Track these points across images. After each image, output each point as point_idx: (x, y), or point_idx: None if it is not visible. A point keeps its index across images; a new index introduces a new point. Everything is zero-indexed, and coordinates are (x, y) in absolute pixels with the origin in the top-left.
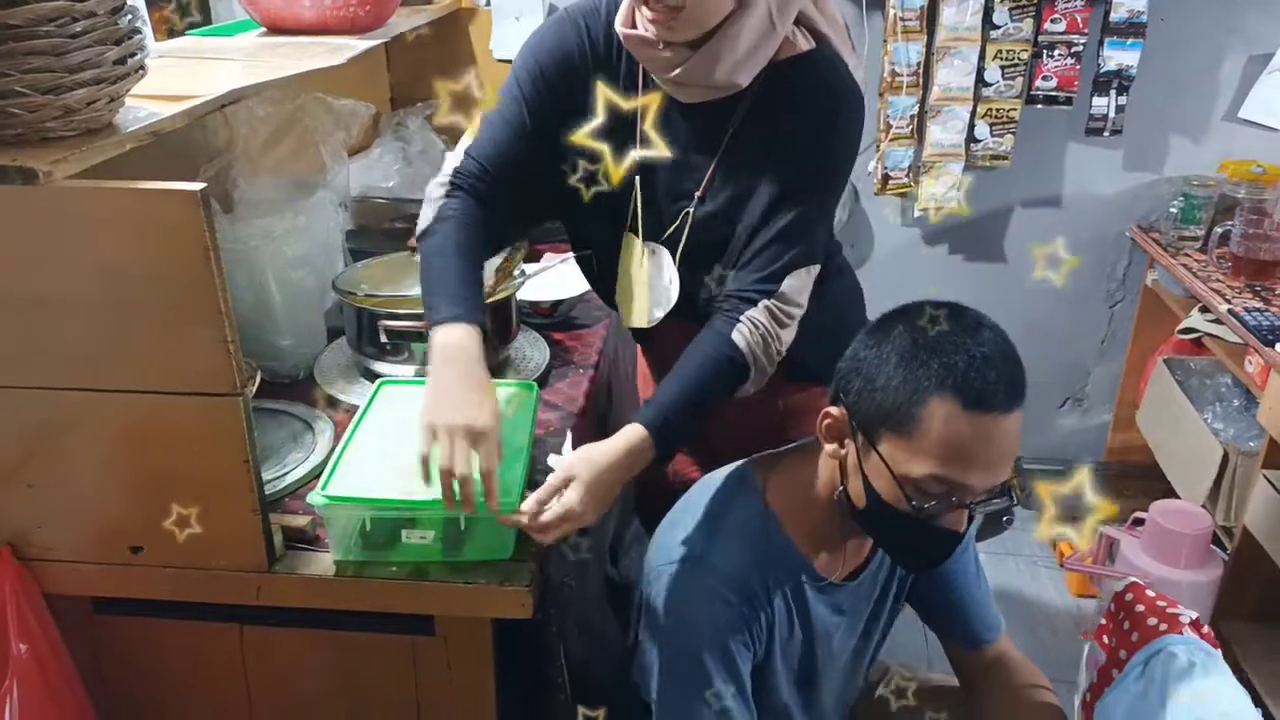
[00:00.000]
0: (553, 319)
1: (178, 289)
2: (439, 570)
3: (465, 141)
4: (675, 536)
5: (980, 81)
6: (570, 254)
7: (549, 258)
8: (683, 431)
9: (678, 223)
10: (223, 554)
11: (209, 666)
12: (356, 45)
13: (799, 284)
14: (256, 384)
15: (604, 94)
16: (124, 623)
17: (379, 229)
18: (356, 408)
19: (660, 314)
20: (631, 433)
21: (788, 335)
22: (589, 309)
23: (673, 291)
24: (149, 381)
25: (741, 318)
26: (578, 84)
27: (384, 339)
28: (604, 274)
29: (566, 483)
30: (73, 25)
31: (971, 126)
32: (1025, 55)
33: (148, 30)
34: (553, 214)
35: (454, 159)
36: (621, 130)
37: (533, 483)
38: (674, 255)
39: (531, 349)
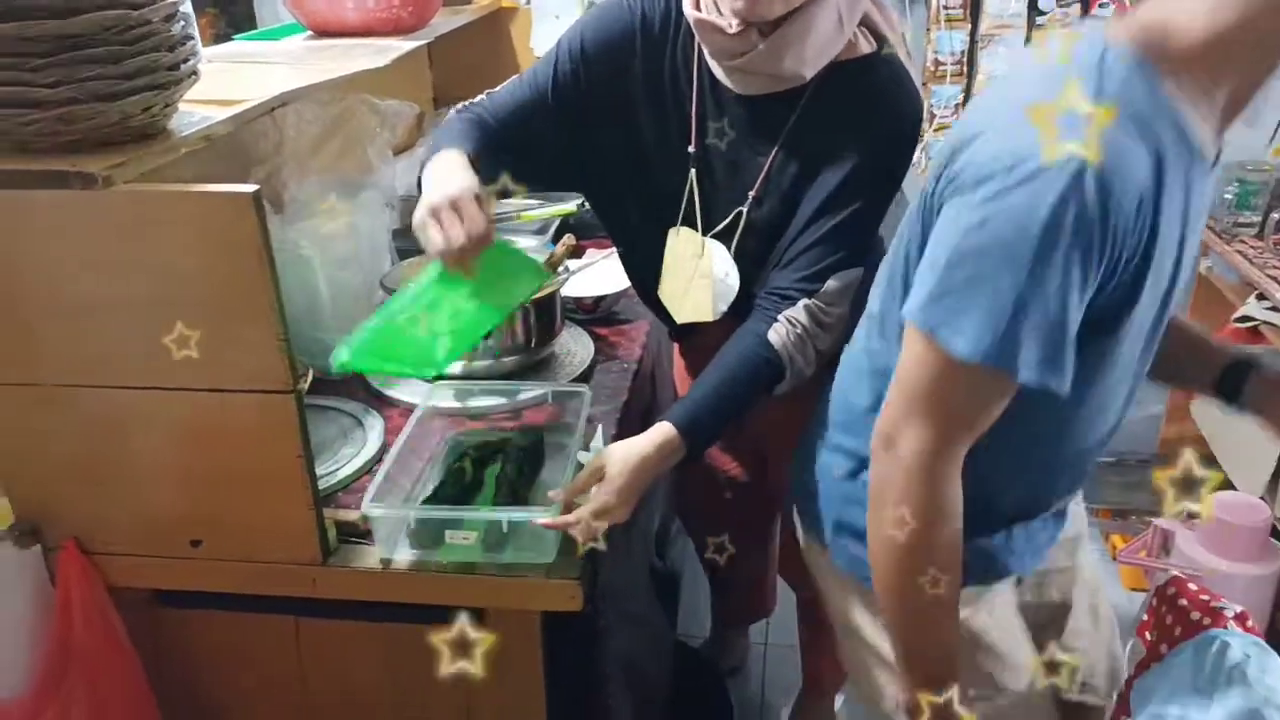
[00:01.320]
0: (596, 314)
1: (232, 289)
2: (489, 564)
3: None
4: None
5: None
6: (613, 249)
7: (592, 253)
8: (715, 431)
9: (729, 219)
10: (279, 548)
11: (266, 657)
12: (401, 46)
13: (842, 285)
14: (308, 381)
15: (654, 82)
16: (185, 615)
17: None
18: (404, 403)
19: (724, 307)
20: (662, 431)
21: (829, 336)
22: (632, 304)
23: (733, 283)
24: (205, 380)
25: (779, 316)
26: (621, 67)
27: None
28: (644, 269)
29: (597, 478)
30: (129, 33)
31: None
32: None
33: (197, 36)
34: (576, 188)
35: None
36: (673, 121)
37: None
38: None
39: (576, 344)
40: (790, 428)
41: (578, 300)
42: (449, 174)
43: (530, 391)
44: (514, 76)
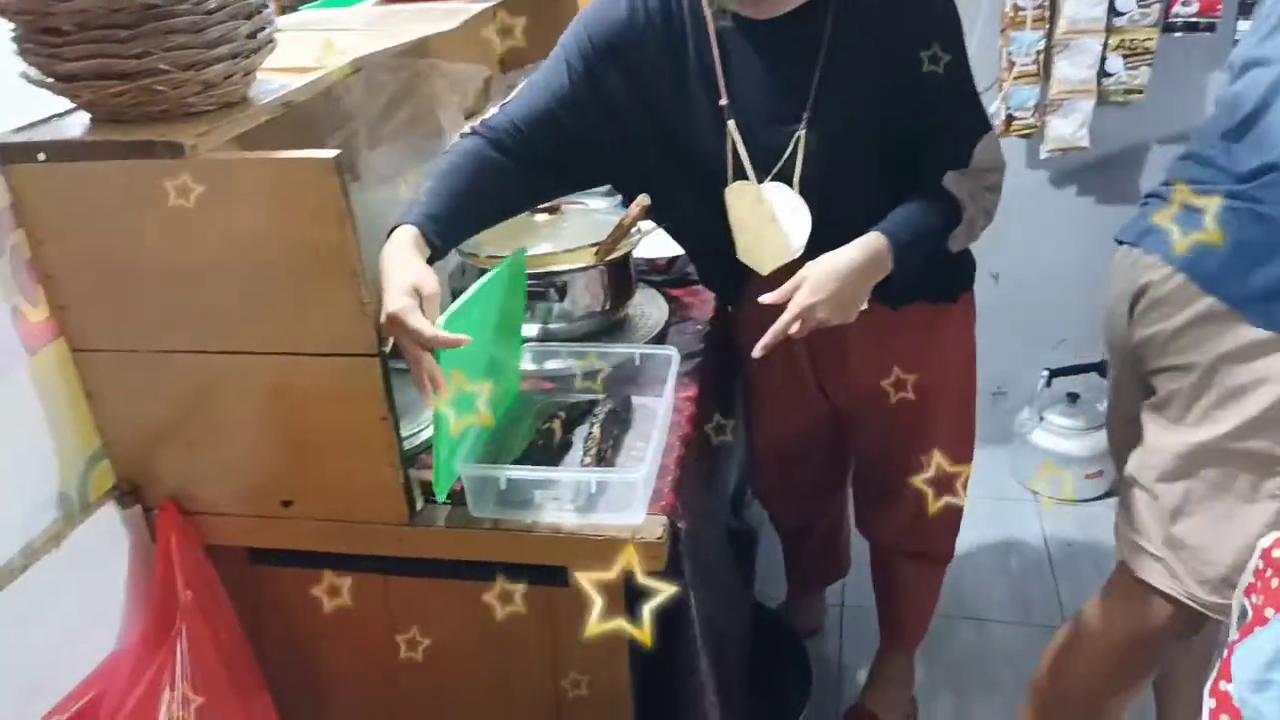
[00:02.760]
0: (669, 275)
1: (316, 254)
2: (573, 524)
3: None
4: None
5: (1112, 11)
6: None
7: None
8: (916, 253)
9: (788, 151)
10: (366, 507)
11: (357, 614)
12: (470, 8)
13: (986, 146)
14: (390, 344)
15: (668, 49)
16: (277, 573)
17: None
18: None
19: (801, 241)
20: (871, 240)
21: (993, 197)
22: None
23: (804, 216)
24: (292, 344)
25: (944, 180)
26: (634, 45)
27: None
28: (711, 246)
29: (798, 285)
30: (208, 2)
31: (1103, 60)
32: None
33: (271, 5)
34: (617, 186)
35: (489, 113)
36: (696, 82)
37: None
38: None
39: (650, 306)
40: (870, 386)
41: (650, 262)
42: (385, 275)
43: (616, 352)
44: (522, 85)
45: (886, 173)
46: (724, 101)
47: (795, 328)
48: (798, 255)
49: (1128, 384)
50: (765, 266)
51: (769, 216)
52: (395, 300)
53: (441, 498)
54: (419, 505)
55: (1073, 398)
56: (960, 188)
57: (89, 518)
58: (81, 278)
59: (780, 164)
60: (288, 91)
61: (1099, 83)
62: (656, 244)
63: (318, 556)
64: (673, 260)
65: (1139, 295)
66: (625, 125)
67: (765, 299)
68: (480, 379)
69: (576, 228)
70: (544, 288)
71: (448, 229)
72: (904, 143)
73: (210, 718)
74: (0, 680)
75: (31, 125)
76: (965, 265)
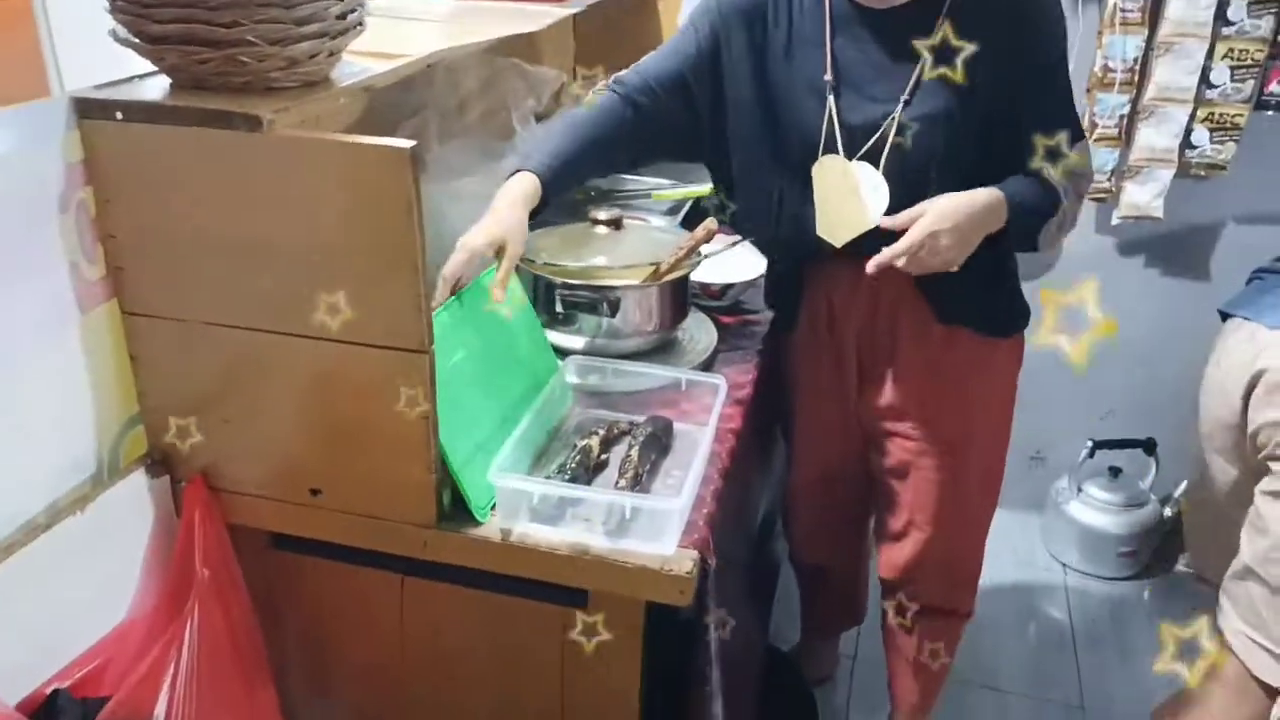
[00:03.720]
0: (722, 302)
1: (378, 243)
2: (601, 546)
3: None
4: None
5: (1205, 82)
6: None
7: (721, 240)
8: (1025, 221)
9: (879, 133)
10: (395, 506)
11: (369, 610)
12: (553, 11)
13: (1080, 150)
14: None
15: (786, 22)
16: (296, 560)
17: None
18: None
19: (877, 215)
20: (990, 191)
21: (1078, 205)
22: (759, 294)
23: (883, 194)
24: (343, 332)
25: (1043, 171)
26: (756, 18)
27: (559, 308)
28: (781, 235)
29: (918, 214)
30: None
31: (1188, 131)
32: (1260, 56)
33: None
34: (715, 152)
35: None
36: (806, 55)
37: None
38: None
39: (700, 330)
40: (904, 407)
41: (704, 286)
42: (486, 220)
43: (662, 374)
44: (654, 51)
45: (972, 167)
46: (828, 77)
47: (907, 259)
48: (872, 226)
49: (1227, 466)
50: (840, 237)
51: (852, 189)
52: (473, 243)
53: (483, 517)
54: (446, 510)
55: (1115, 472)
56: (1055, 177)
57: (117, 484)
58: (142, 241)
59: (869, 144)
60: (369, 76)
61: (1181, 154)
62: (712, 269)
63: (338, 549)
64: (727, 287)
65: (1259, 376)
66: (738, 92)
67: (889, 220)
68: (485, 394)
69: (634, 244)
70: (596, 301)
71: (561, 179)
72: (997, 139)
73: (212, 698)
74: (12, 637)
75: (111, 84)
76: (1019, 305)
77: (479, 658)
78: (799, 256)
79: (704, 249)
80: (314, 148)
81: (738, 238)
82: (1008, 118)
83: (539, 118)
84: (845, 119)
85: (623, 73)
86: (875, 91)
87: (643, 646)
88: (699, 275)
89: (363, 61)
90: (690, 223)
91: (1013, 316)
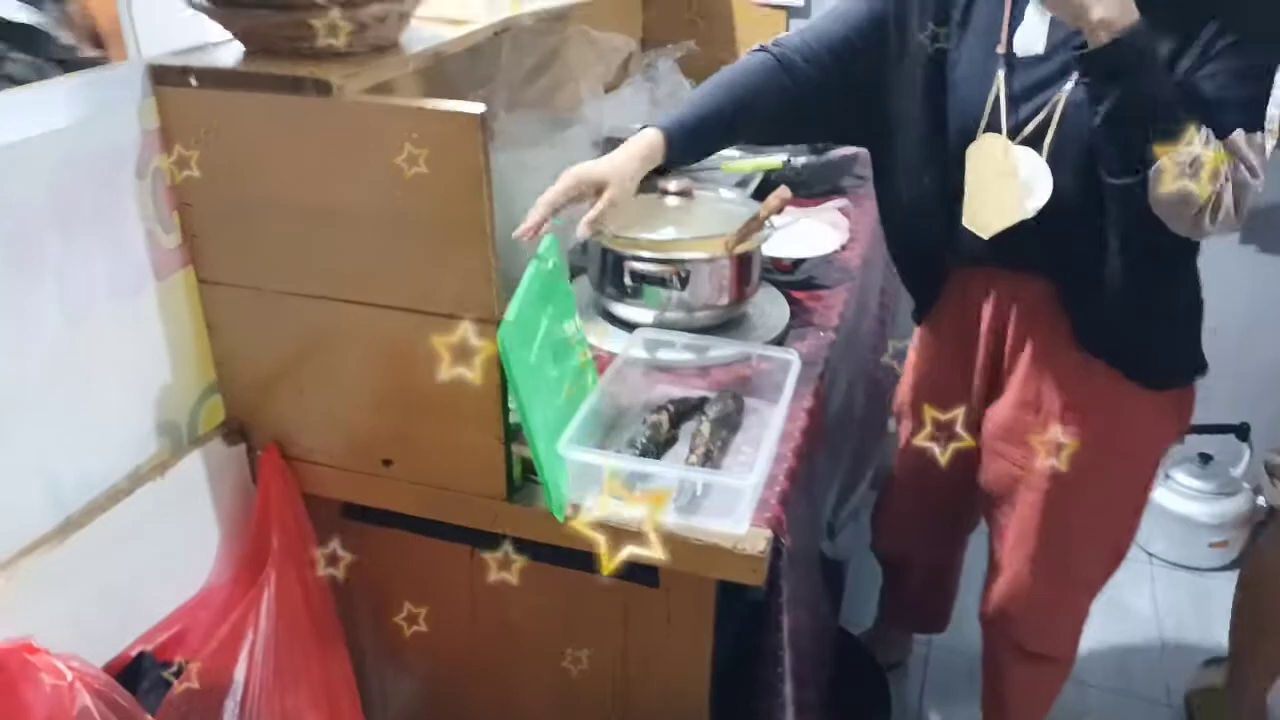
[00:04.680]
0: (793, 276)
1: (448, 210)
2: (673, 523)
3: None
4: None
5: None
6: (820, 208)
7: (792, 212)
8: (1143, 61)
9: (1041, 116)
10: (465, 478)
11: (439, 582)
12: None
13: (1250, 140)
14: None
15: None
16: (367, 530)
17: None
18: (593, 347)
19: (1038, 203)
20: None
21: (1230, 197)
22: (832, 270)
23: (1044, 184)
24: (414, 300)
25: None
26: None
27: (628, 281)
28: (924, 220)
29: None
30: None
31: None
32: None
33: None
34: (860, 139)
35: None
36: (981, 23)
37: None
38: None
39: (771, 306)
40: (1018, 422)
41: (775, 260)
42: (600, 161)
43: (734, 350)
44: (822, 15)
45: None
46: (1001, 50)
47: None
48: (1030, 216)
49: None
50: (991, 228)
51: (1011, 171)
52: (577, 172)
53: (560, 515)
54: (518, 483)
55: (1205, 459)
56: (1215, 141)
57: (195, 451)
58: (217, 208)
59: (1033, 126)
60: (439, 43)
61: None
62: (784, 243)
63: (409, 519)
64: (799, 262)
65: None
66: (905, 64)
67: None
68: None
69: (705, 215)
70: (666, 274)
71: (690, 143)
72: None
73: (288, 664)
74: (96, 602)
75: (186, 51)
76: (1186, 357)
77: (547, 632)
78: (942, 249)
79: (776, 221)
80: (383, 113)
81: (809, 210)
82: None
83: (607, 90)
84: (1011, 97)
85: (783, 34)
86: (1046, 74)
87: (713, 626)
88: (770, 249)
89: (432, 28)
90: (761, 195)
91: (1172, 368)
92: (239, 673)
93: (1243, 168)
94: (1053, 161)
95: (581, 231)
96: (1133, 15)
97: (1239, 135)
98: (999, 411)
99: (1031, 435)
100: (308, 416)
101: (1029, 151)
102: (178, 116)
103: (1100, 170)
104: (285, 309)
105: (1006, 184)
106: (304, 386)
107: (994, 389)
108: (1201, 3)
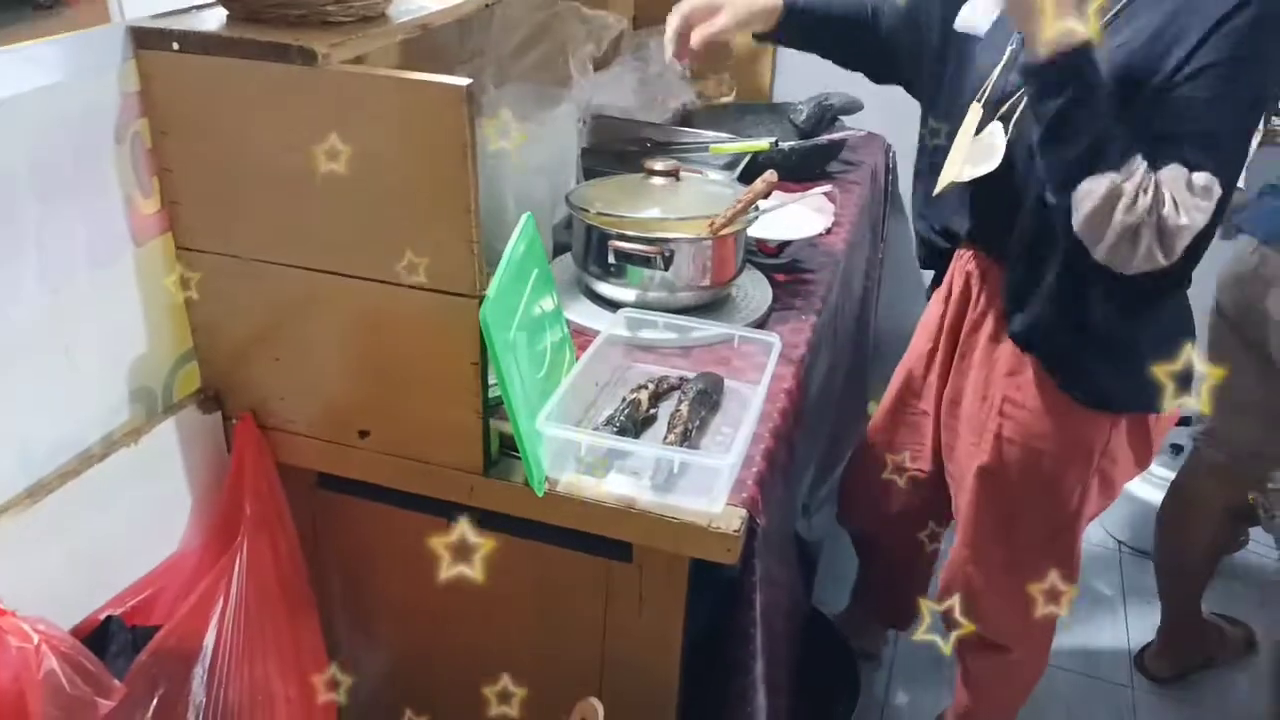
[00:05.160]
0: (778, 259)
1: (432, 183)
2: (648, 501)
3: None
4: None
5: None
6: (804, 194)
7: (779, 196)
8: (1082, 75)
9: (1019, 94)
10: (442, 451)
11: (412, 554)
12: None
13: (1182, 179)
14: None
15: None
16: (342, 500)
17: (612, 149)
18: (575, 324)
19: (972, 173)
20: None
21: (1167, 238)
22: (816, 254)
23: (995, 148)
24: (392, 273)
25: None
26: None
27: (611, 259)
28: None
29: None
30: None
31: None
32: None
33: None
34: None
35: None
36: None
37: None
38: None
39: (754, 289)
40: (964, 420)
41: (760, 243)
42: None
43: (715, 330)
44: None
45: None
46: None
47: None
48: (964, 179)
49: None
50: (939, 186)
51: (979, 142)
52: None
53: (540, 490)
54: (495, 457)
55: (1176, 449)
56: (1149, 176)
57: (170, 418)
58: (197, 175)
59: (1010, 103)
60: (426, 14)
61: None
62: (770, 226)
63: (384, 491)
64: (784, 244)
65: None
66: (953, 33)
67: None
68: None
69: (690, 196)
70: (650, 254)
71: (805, 16)
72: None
73: (259, 632)
74: (67, 564)
75: (168, 14)
76: (1121, 374)
77: (521, 606)
78: (934, 220)
79: (762, 204)
80: (369, 83)
81: (797, 195)
82: (1146, 110)
83: (597, 67)
84: (1004, 74)
85: None
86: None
87: (686, 604)
88: (756, 231)
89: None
90: (748, 178)
91: (1111, 391)
92: (208, 639)
93: (1169, 207)
94: (1014, 139)
95: (669, 53)
96: (1075, 38)
97: (1173, 171)
98: (951, 392)
99: (975, 420)
100: (284, 386)
101: (997, 125)
102: (159, 81)
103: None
104: (264, 278)
105: (969, 152)
106: (281, 355)
107: (952, 369)
108: (1195, 16)
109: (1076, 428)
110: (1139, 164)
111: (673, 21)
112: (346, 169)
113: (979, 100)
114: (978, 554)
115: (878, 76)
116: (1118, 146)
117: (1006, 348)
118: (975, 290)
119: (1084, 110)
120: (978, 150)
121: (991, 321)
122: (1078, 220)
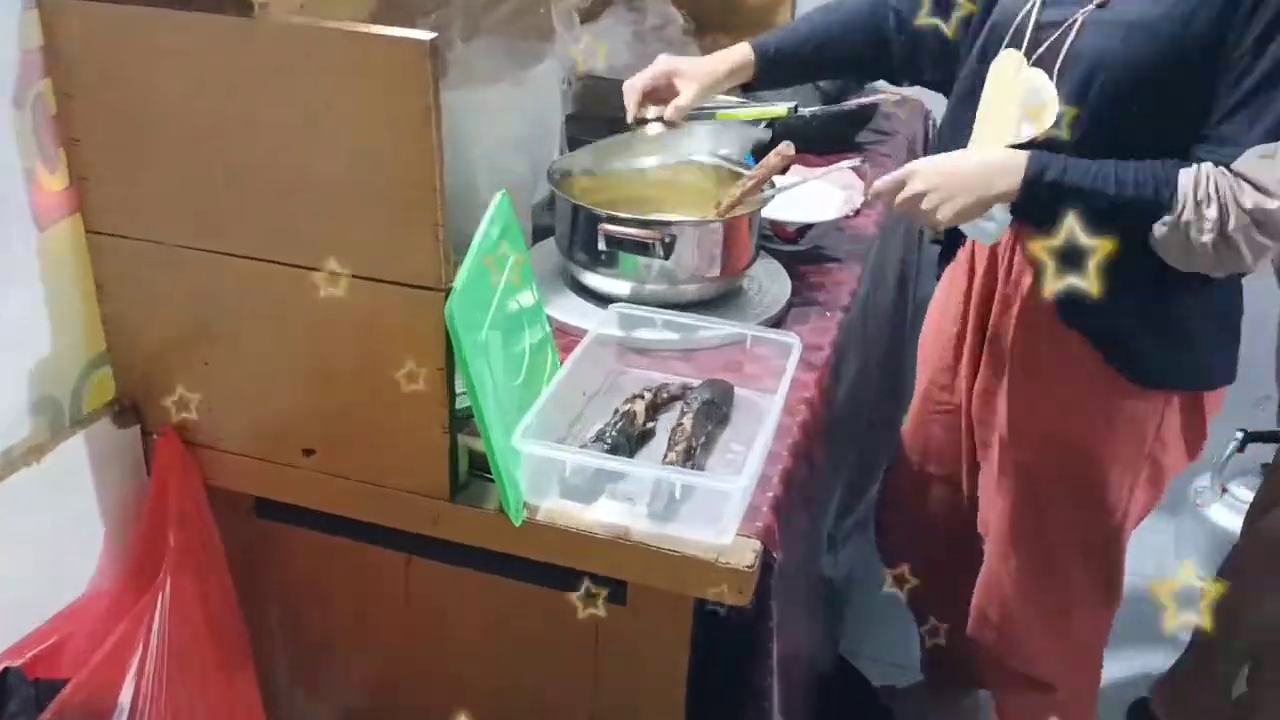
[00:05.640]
0: (798, 246)
1: (389, 155)
2: (644, 531)
3: None
4: None
5: None
6: (829, 169)
7: (799, 171)
8: (1062, 193)
9: (1057, 34)
10: (402, 473)
11: (367, 595)
12: None
13: (1265, 164)
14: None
15: None
16: (284, 530)
17: (602, 115)
18: (558, 322)
19: (1029, 131)
20: (1005, 153)
21: (1257, 237)
22: (841, 239)
23: (1048, 111)
24: (342, 262)
25: (1207, 159)
26: None
27: (602, 246)
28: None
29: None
30: None
31: None
32: None
33: None
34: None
35: None
36: None
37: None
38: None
39: (770, 281)
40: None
41: (776, 226)
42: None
43: (724, 330)
44: None
45: (1138, 117)
46: None
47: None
48: (1022, 140)
49: None
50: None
51: (1017, 93)
52: (663, 63)
53: (517, 518)
54: (463, 479)
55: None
56: (1202, 186)
57: (78, 433)
58: (110, 146)
59: (1046, 45)
60: None
61: None
62: (788, 206)
63: (332, 520)
64: (805, 228)
65: None
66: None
67: (877, 184)
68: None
69: (695, 177)
70: (647, 240)
71: (782, 62)
72: (1179, 101)
73: (184, 683)
74: None
75: None
76: (1188, 359)
77: (494, 655)
78: None
79: (778, 180)
80: (315, 38)
81: (821, 170)
82: (1202, 79)
83: (584, 19)
84: (1042, 14)
85: None
86: None
87: (689, 653)
88: (771, 213)
89: None
90: (762, 150)
91: (1166, 365)
92: (124, 695)
93: (1251, 198)
94: (1058, 87)
95: (670, 114)
96: (1011, 182)
97: (1248, 161)
98: (982, 381)
99: (1012, 408)
100: (214, 396)
101: (1039, 73)
102: (64, 35)
103: None
104: (189, 267)
105: (1009, 108)
106: (210, 360)
107: (981, 354)
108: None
109: (1126, 409)
110: (1185, 182)
111: (630, 97)
112: (287, 139)
113: (1015, 45)
114: (1009, 565)
115: (896, 77)
116: (1150, 190)
117: (1046, 324)
118: (1004, 261)
119: (1089, 203)
120: (1012, 106)
121: (1027, 295)
122: (1173, 263)
